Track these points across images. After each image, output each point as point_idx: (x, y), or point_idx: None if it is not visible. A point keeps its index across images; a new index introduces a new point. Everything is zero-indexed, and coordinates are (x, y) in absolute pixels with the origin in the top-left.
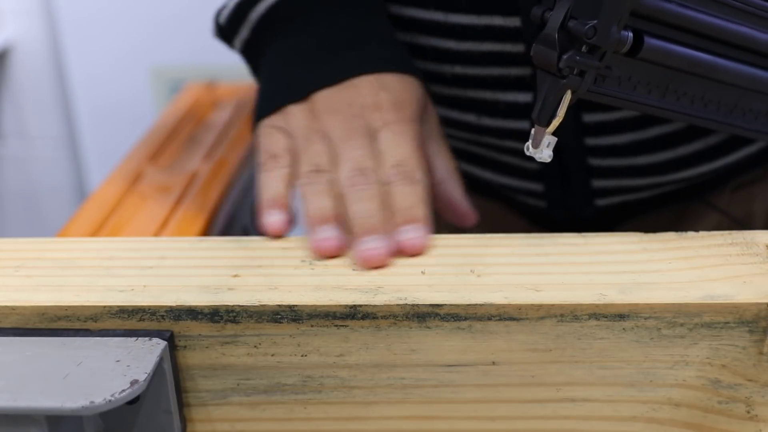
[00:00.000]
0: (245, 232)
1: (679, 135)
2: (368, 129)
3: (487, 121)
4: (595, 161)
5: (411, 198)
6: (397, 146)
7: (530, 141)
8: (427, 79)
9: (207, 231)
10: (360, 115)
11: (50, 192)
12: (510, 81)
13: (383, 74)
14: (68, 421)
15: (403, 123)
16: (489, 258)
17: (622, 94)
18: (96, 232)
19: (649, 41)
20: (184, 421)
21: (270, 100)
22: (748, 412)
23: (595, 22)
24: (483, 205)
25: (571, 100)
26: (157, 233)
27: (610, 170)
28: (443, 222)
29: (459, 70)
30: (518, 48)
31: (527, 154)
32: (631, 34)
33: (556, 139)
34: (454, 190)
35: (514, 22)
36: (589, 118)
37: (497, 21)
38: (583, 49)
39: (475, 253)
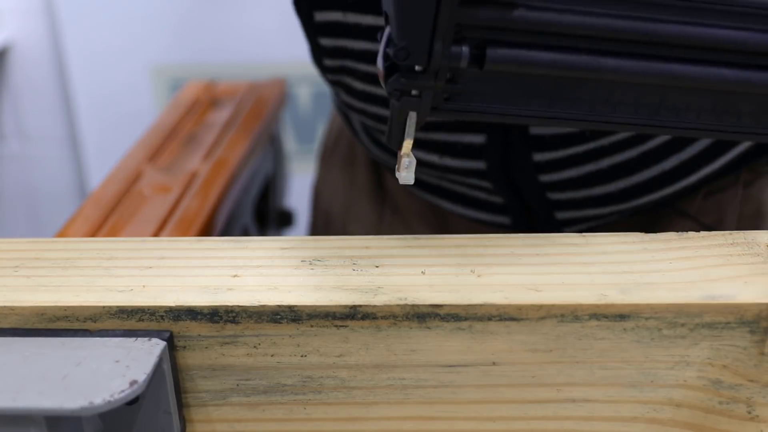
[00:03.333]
0: (245, 232)
1: (631, 163)
2: None
3: (449, 161)
4: (554, 195)
5: None
6: None
7: (397, 164)
8: None
9: (206, 231)
10: None
11: (50, 192)
12: (465, 123)
13: None
14: (67, 422)
15: None
16: (489, 258)
17: (492, 108)
18: (95, 232)
19: (495, 53)
20: (183, 421)
21: None
22: (749, 413)
23: (405, 43)
24: (464, 224)
25: (418, 121)
26: (157, 233)
27: (571, 202)
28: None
29: None
30: None
31: (396, 176)
32: (466, 49)
33: (414, 160)
34: None
35: None
36: (539, 157)
37: None
38: (417, 68)
39: (475, 253)
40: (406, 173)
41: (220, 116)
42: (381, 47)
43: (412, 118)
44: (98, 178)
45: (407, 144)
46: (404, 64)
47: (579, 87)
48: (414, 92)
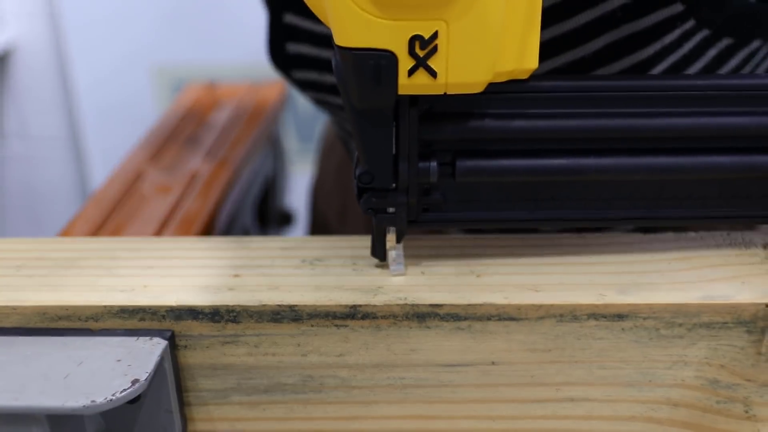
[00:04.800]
0: (246, 232)
1: None
2: None
3: None
4: None
5: None
6: None
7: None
8: None
9: (208, 231)
10: None
11: (52, 192)
12: None
13: None
14: (69, 421)
15: None
16: (489, 258)
17: (474, 215)
18: (97, 231)
19: (465, 165)
20: (184, 420)
21: None
22: (746, 412)
23: (368, 167)
24: None
25: (397, 237)
26: (158, 233)
27: None
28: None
29: None
30: None
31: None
32: (434, 164)
33: (402, 252)
34: None
35: None
36: None
37: None
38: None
39: (475, 253)
40: (395, 266)
41: (220, 117)
42: (353, 166)
43: (392, 233)
44: (100, 179)
45: (390, 238)
46: (369, 187)
47: (564, 187)
48: (390, 209)
